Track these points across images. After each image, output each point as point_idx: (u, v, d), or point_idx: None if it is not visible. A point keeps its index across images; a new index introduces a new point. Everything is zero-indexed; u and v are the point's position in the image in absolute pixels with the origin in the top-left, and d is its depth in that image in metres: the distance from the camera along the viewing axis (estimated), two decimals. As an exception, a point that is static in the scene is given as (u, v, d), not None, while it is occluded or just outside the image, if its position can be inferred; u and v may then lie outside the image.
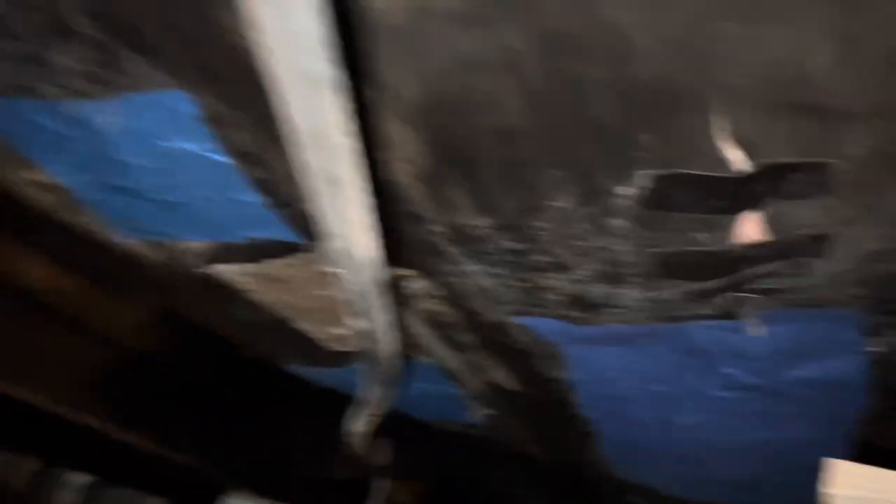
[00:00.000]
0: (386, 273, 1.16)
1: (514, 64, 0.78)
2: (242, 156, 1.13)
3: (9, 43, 1.09)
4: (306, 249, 1.36)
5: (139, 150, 1.22)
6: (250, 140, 1.08)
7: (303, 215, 1.24)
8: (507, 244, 1.14)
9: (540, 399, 1.65)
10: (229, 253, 1.47)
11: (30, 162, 1.36)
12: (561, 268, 1.18)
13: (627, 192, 0.96)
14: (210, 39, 0.90)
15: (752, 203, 0.95)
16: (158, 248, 1.55)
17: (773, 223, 0.98)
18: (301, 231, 1.30)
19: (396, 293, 1.34)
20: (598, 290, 1.22)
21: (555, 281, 1.22)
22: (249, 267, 1.49)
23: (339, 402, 1.74)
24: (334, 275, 1.16)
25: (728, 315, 1.24)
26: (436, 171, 0.99)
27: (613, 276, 1.17)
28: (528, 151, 0.92)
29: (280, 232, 1.34)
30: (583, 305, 1.28)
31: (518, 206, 1.03)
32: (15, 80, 1.15)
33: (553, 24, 0.75)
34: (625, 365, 1.49)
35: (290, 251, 1.38)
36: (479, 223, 1.09)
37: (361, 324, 1.23)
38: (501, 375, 1.59)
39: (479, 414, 1.85)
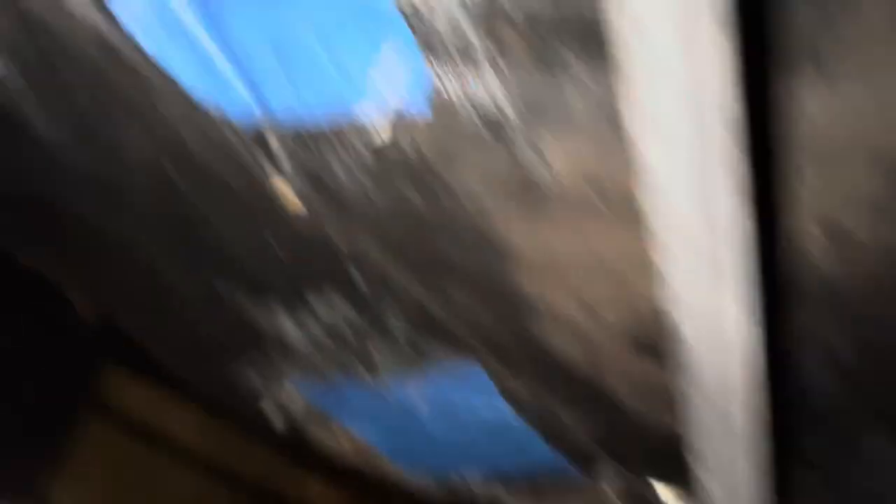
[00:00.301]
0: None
1: (830, 350, 0.82)
2: (535, 417, 1.22)
3: (334, 339, 1.28)
4: (590, 487, 1.40)
5: (434, 411, 1.35)
6: (542, 406, 1.17)
7: (590, 462, 1.30)
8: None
9: None
10: (509, 486, 1.55)
11: (338, 423, 1.54)
12: None
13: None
14: (518, 339, 1.02)
15: None
16: (440, 481, 1.65)
17: None
18: (588, 472, 1.35)
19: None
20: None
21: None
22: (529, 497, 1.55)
23: None
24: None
25: None
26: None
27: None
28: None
29: (564, 470, 1.39)
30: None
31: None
32: (334, 368, 1.34)
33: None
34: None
35: (574, 487, 1.43)
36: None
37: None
38: None
39: None
